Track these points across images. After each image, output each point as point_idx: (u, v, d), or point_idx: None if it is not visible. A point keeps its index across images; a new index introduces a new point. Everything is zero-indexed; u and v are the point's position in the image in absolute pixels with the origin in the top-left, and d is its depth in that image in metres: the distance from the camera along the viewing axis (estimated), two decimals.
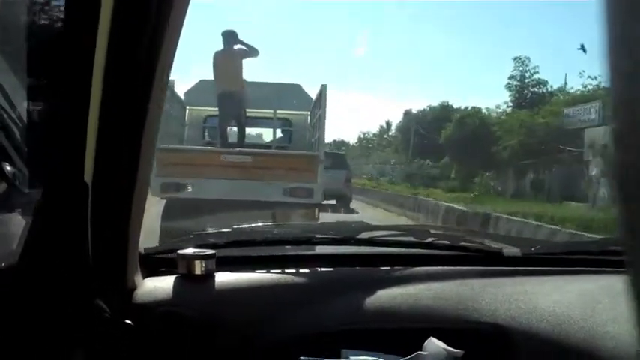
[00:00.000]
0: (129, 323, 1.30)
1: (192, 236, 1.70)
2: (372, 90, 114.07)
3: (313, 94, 10.65)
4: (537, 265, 1.73)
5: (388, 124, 68.49)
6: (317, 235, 1.75)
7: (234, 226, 1.87)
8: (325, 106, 9.68)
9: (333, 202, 22.92)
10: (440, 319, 1.46)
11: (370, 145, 70.66)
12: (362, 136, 76.43)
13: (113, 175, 1.23)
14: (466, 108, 38.53)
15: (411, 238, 1.78)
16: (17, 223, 1.24)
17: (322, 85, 9.80)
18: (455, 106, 42.87)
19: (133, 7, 1.12)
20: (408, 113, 51.44)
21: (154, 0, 1.12)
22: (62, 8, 1.10)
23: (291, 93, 11.22)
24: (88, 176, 1.17)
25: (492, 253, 1.74)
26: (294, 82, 11.72)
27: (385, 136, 69.60)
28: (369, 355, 1.35)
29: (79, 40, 1.09)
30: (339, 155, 28.17)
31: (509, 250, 1.75)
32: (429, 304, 1.49)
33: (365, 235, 1.75)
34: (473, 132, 30.50)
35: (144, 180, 1.30)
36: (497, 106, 36.06)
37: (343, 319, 1.46)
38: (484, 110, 35.61)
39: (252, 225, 1.90)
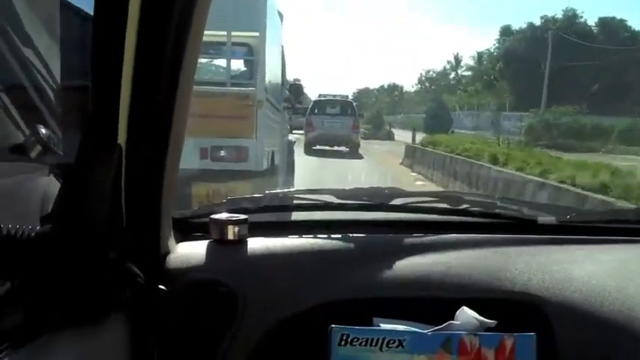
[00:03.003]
0: (162, 288, 1.31)
1: (225, 201, 1.70)
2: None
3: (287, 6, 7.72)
4: (573, 233, 1.70)
5: (457, 59, 60.89)
6: (349, 201, 1.73)
7: (267, 191, 1.86)
8: (265, 6, 6.70)
9: (344, 148, 23.46)
10: (472, 288, 1.45)
11: (434, 87, 62.48)
12: (423, 76, 65.98)
13: (147, 139, 1.23)
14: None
15: (444, 205, 1.76)
16: (51, 186, 1.25)
17: None
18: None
19: None
20: (506, 31, 46.08)
21: None
22: None
23: (252, 6, 7.07)
24: (121, 139, 1.16)
25: (527, 221, 1.71)
26: None
27: (452, 75, 61.32)
28: (401, 324, 1.34)
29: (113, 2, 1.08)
30: (346, 102, 26.82)
31: (544, 218, 1.73)
32: (461, 273, 1.47)
33: (397, 201, 1.74)
34: None
35: (177, 144, 1.30)
36: None
37: (375, 286, 1.46)
38: None
39: (285, 190, 1.89)
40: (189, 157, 5.29)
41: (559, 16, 41.33)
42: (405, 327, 1.34)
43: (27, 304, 1.07)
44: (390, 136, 38.07)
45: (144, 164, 1.26)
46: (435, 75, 65.12)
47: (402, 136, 33.41)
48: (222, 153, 6.29)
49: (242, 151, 6.31)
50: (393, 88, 67.32)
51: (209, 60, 7.83)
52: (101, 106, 1.13)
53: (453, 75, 62.50)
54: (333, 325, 1.31)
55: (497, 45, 50.57)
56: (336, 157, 20.89)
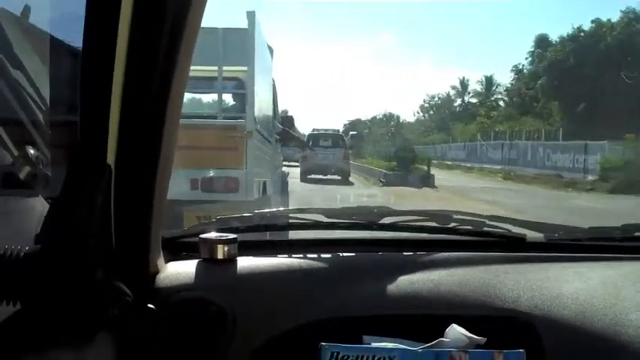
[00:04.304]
0: (151, 307, 1.31)
1: (214, 220, 1.70)
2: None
3: (277, 40, 7.86)
4: (561, 251, 1.71)
5: (463, 84, 53.89)
6: (339, 220, 1.74)
7: (256, 211, 1.86)
8: (256, 42, 6.72)
9: (338, 177, 24.86)
10: (462, 305, 1.45)
11: (444, 114, 54.82)
12: (427, 102, 58.76)
13: (136, 158, 1.23)
14: None
15: (434, 224, 1.76)
16: (40, 206, 1.25)
17: (248, 12, 6.82)
18: None
19: None
20: (542, 41, 37.05)
21: None
22: None
23: (241, 41, 7.10)
24: (110, 159, 1.17)
25: (515, 239, 1.72)
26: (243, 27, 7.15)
27: (458, 102, 54.00)
28: (391, 342, 1.34)
29: (102, 22, 1.09)
30: (337, 135, 29.10)
31: (533, 236, 1.74)
32: (451, 290, 1.48)
33: (387, 220, 1.74)
34: None
35: (166, 164, 1.30)
36: None
37: (365, 304, 1.46)
38: None
39: (274, 209, 1.90)
40: (180, 187, 5.69)
41: (614, 19, 32.49)
42: (395, 344, 1.33)
43: (15, 323, 1.06)
44: (427, 182, 23.15)
45: (133, 184, 1.26)
46: (439, 101, 58.98)
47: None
48: (213, 184, 6.35)
49: (232, 181, 6.38)
50: (389, 118, 62.55)
51: (201, 94, 8.05)
52: (90, 127, 1.14)
53: (459, 102, 56.56)
54: (323, 343, 1.31)
55: (529, 58, 41.35)
56: (329, 184, 21.34)
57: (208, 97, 8.24)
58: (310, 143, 25.90)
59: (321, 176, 24.90)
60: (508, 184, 22.73)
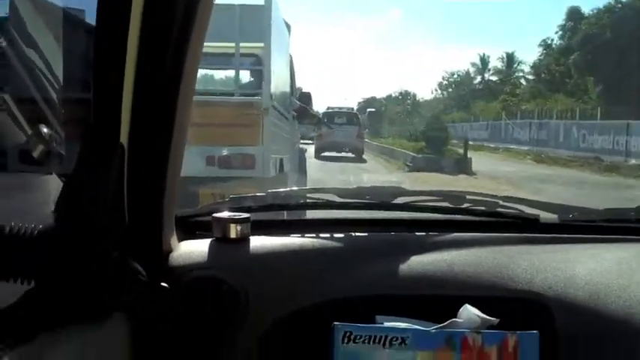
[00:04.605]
0: (164, 286, 1.32)
1: (227, 199, 1.71)
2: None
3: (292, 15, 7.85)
4: (575, 232, 1.70)
5: (484, 61, 51.27)
6: (352, 200, 1.73)
7: (269, 190, 1.86)
8: (273, 18, 6.66)
9: (352, 155, 25.76)
10: (475, 286, 1.45)
11: (462, 92, 52.02)
12: (446, 80, 56.32)
13: (149, 137, 1.23)
14: None
15: (447, 204, 1.76)
16: (54, 185, 1.25)
17: None
18: None
19: None
20: (574, 14, 34.02)
21: None
22: None
23: (258, 17, 7.06)
24: (124, 138, 1.17)
25: (529, 220, 1.72)
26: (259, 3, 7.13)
27: (478, 79, 51.52)
28: (404, 322, 1.34)
29: (115, 1, 1.09)
30: (352, 113, 29.76)
31: (547, 217, 1.73)
32: (464, 271, 1.47)
33: (400, 200, 1.74)
34: None
35: (179, 142, 1.30)
36: None
37: (377, 284, 1.46)
38: None
39: (288, 189, 1.89)
40: (196, 164, 5.77)
41: None
42: (407, 324, 1.33)
43: (30, 301, 1.07)
44: (464, 167, 19.82)
45: (146, 163, 1.26)
46: (458, 79, 56.15)
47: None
48: (230, 160, 6.34)
49: (248, 158, 6.37)
50: (405, 96, 59.92)
51: (218, 70, 8.01)
52: (103, 106, 1.14)
53: (479, 79, 53.81)
54: (336, 323, 1.31)
55: (559, 32, 39.95)
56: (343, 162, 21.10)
57: (225, 74, 8.20)
58: (325, 121, 26.10)
59: (335, 153, 25.52)
60: (543, 168, 20.23)
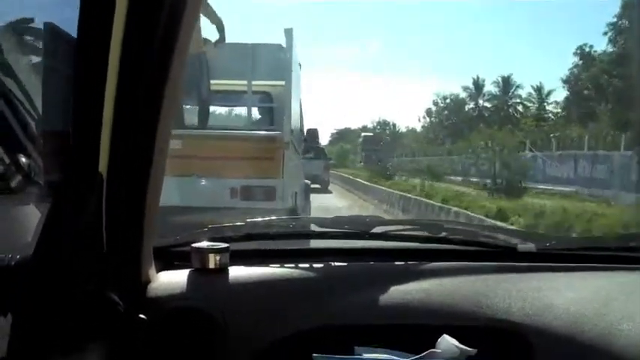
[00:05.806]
0: (142, 317, 1.30)
1: (206, 229, 1.70)
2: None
3: (305, 56, 8.07)
4: (552, 261, 1.71)
5: (477, 85, 44.14)
6: (330, 229, 1.74)
7: (248, 220, 1.86)
8: (292, 58, 6.90)
9: (317, 185, 25.85)
10: (453, 315, 1.46)
11: (454, 120, 45.01)
12: (439, 103, 49.54)
13: (128, 168, 1.23)
14: None
15: (425, 233, 1.77)
16: (32, 214, 1.24)
17: (285, 30, 6.97)
18: None
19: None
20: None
21: None
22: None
23: (271, 56, 7.44)
24: (102, 168, 1.17)
25: (507, 249, 1.73)
26: (274, 42, 7.54)
27: (471, 105, 44.63)
28: (382, 353, 1.34)
29: (95, 32, 1.09)
30: (319, 148, 29.61)
31: (524, 246, 1.74)
32: (443, 301, 1.48)
33: (378, 229, 1.74)
34: None
35: (158, 173, 1.30)
36: None
37: (356, 315, 1.46)
38: None
39: (267, 218, 1.89)
40: (220, 196, 6.13)
41: None
42: (386, 355, 1.34)
43: (4, 334, 1.05)
44: None
45: (125, 193, 1.25)
46: (451, 103, 49.39)
47: None
48: (252, 192, 6.49)
49: (270, 190, 6.51)
50: (383, 126, 55.92)
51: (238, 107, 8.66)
52: (82, 136, 1.14)
53: (472, 105, 48.04)
54: (315, 355, 1.31)
55: (609, 33, 30.29)
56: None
57: (243, 110, 8.54)
58: None
59: None
60: None
